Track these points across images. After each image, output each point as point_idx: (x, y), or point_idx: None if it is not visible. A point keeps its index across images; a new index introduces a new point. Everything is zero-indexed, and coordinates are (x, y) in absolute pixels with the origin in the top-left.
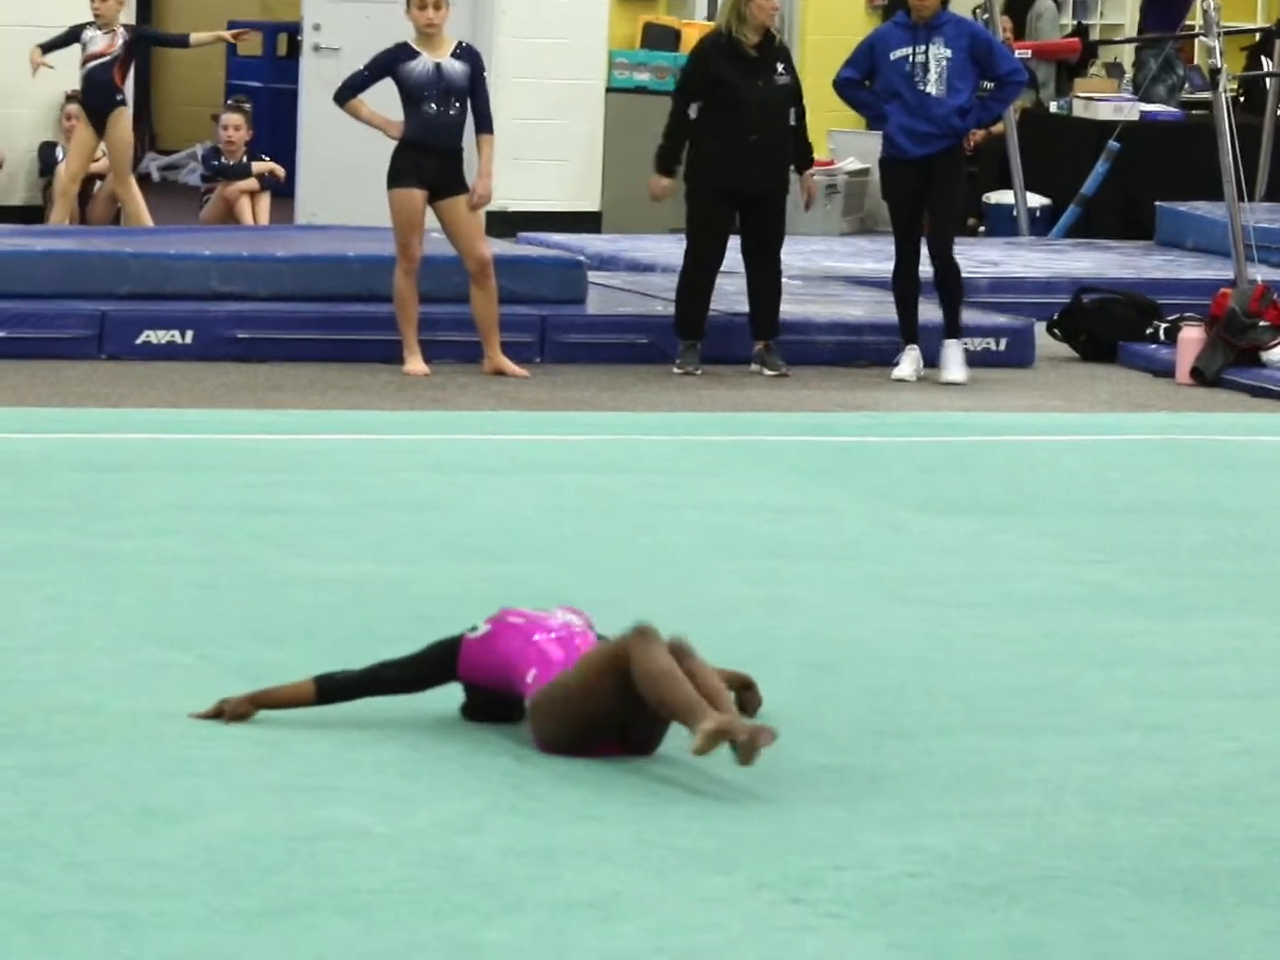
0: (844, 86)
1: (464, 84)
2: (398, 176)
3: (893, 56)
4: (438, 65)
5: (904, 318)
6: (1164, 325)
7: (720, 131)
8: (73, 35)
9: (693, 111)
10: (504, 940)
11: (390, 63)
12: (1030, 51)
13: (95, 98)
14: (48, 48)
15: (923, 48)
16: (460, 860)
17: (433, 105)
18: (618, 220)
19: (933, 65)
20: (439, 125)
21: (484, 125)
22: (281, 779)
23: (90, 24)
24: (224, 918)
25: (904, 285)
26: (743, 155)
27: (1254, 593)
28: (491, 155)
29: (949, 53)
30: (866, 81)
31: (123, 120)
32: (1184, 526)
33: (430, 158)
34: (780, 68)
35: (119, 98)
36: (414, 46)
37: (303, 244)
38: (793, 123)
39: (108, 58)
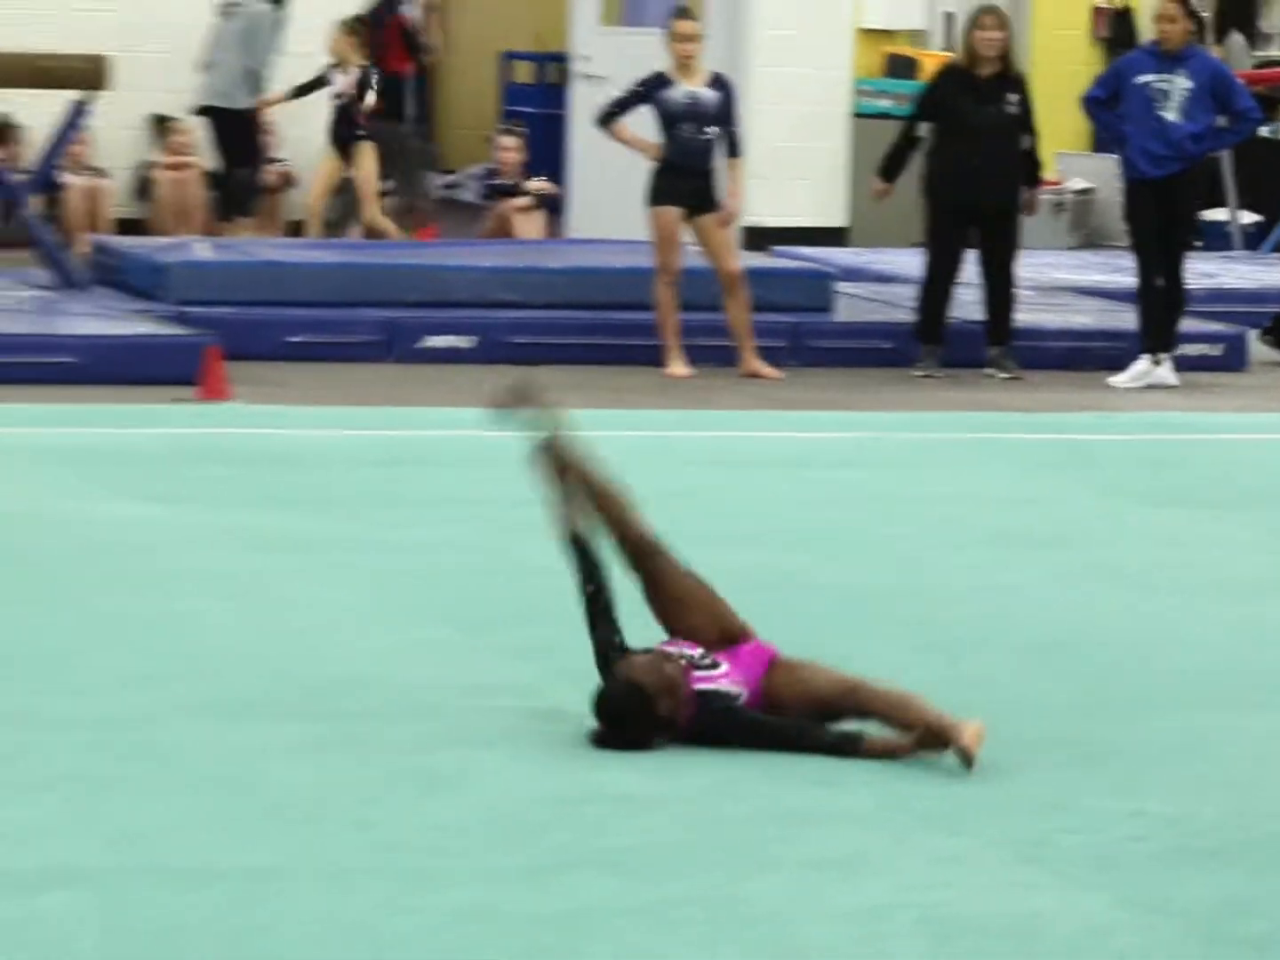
0: (1090, 104)
1: (716, 110)
2: (656, 195)
3: (1137, 81)
4: (693, 93)
5: (1145, 328)
6: None
7: (952, 153)
8: (320, 79)
9: (922, 131)
10: (758, 895)
11: (650, 90)
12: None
13: (338, 132)
14: (300, 91)
15: (1167, 76)
16: (718, 822)
17: (688, 130)
18: (863, 235)
19: (1174, 93)
20: (693, 148)
21: (734, 149)
22: (554, 746)
23: (332, 64)
24: (498, 874)
25: (1148, 299)
26: (972, 175)
27: None
28: (741, 176)
29: (1190, 84)
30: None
31: (364, 154)
32: None
33: (685, 178)
34: (1013, 97)
35: (359, 133)
36: (671, 75)
37: (573, 257)
38: (1025, 147)
39: (345, 98)
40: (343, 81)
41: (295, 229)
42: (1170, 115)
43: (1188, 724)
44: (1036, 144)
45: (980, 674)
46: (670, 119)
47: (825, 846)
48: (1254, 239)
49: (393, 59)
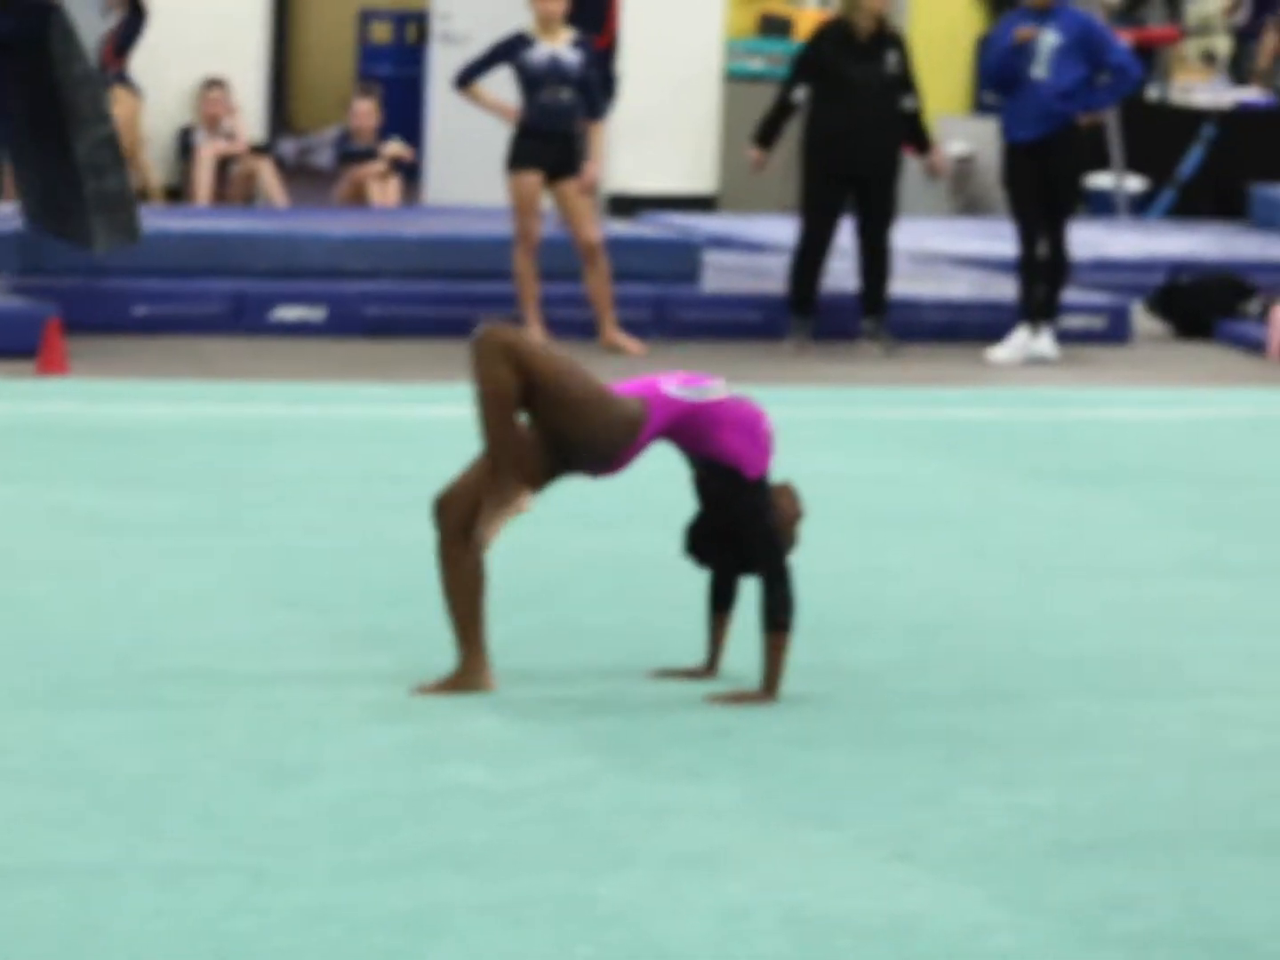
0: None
1: (579, 72)
2: (515, 160)
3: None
4: (555, 53)
5: (1024, 297)
6: (1258, 304)
7: (829, 115)
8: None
9: (800, 94)
10: (614, 893)
11: (510, 50)
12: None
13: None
14: None
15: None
16: (572, 816)
17: (549, 92)
18: (734, 201)
19: (1043, 50)
20: (554, 111)
21: (595, 112)
22: (402, 738)
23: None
24: (347, 872)
25: (1029, 268)
26: (850, 138)
27: None
28: (601, 141)
29: (1060, 39)
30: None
31: (116, 100)
32: (1276, 497)
33: (546, 142)
34: (891, 58)
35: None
36: (532, 35)
37: (429, 224)
38: (908, 109)
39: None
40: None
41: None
42: (1039, 73)
43: (1069, 713)
44: (921, 105)
45: (854, 661)
46: (531, 81)
47: (685, 841)
48: (1140, 204)
49: None
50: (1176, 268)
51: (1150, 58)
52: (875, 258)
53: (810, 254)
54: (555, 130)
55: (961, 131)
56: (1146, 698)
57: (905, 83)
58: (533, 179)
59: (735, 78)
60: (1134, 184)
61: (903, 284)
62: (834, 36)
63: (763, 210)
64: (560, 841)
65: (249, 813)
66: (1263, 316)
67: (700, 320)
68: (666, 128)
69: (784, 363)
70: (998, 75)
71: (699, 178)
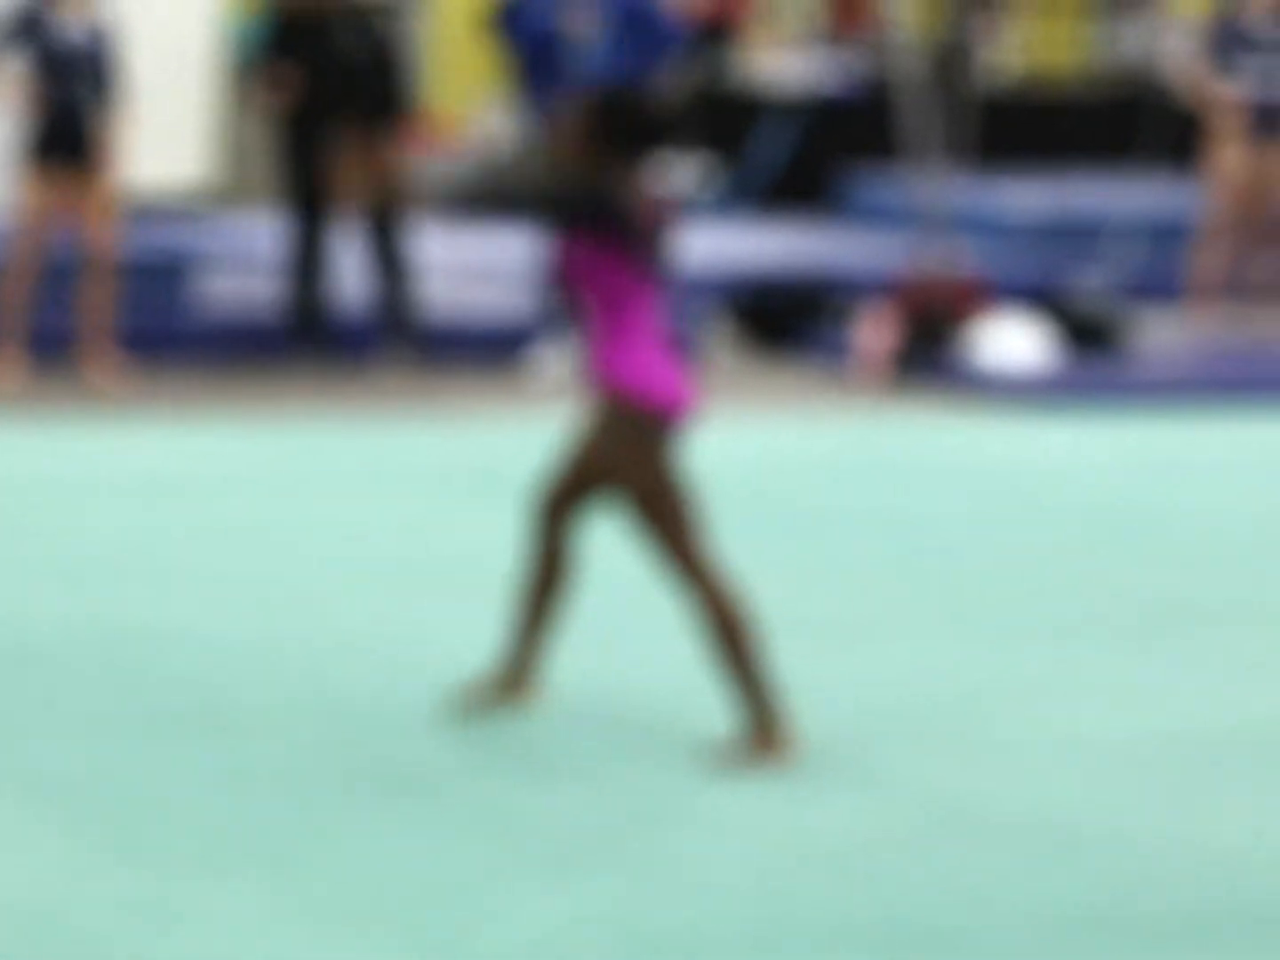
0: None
1: (100, 50)
2: (22, 161)
3: (539, 22)
4: (72, 31)
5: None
6: (840, 311)
7: (305, 89)
8: None
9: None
10: None
11: (23, 23)
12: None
13: None
14: None
15: (568, 12)
16: (53, 918)
17: (65, 74)
18: (230, 195)
19: (583, 36)
20: (70, 100)
21: (117, 96)
22: None
23: None
24: None
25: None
26: (328, 122)
27: None
28: (124, 132)
29: (602, 22)
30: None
31: None
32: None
33: (61, 138)
34: (377, 26)
35: None
36: (46, 8)
37: None
38: (395, 81)
39: None
40: None
41: None
42: (583, 65)
43: (632, 789)
44: (402, 75)
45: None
46: (47, 60)
47: (195, 947)
48: (709, 192)
49: None
50: (748, 272)
51: (725, 32)
52: (389, 264)
53: (307, 261)
54: (73, 120)
55: (495, 117)
56: (712, 774)
57: (387, 55)
58: (45, 185)
59: (235, 57)
60: (700, 177)
61: (443, 297)
62: None
63: (254, 204)
64: (35, 949)
65: None
66: (847, 325)
67: (192, 349)
68: (157, 113)
69: (289, 392)
70: (533, 68)
71: (193, 169)
